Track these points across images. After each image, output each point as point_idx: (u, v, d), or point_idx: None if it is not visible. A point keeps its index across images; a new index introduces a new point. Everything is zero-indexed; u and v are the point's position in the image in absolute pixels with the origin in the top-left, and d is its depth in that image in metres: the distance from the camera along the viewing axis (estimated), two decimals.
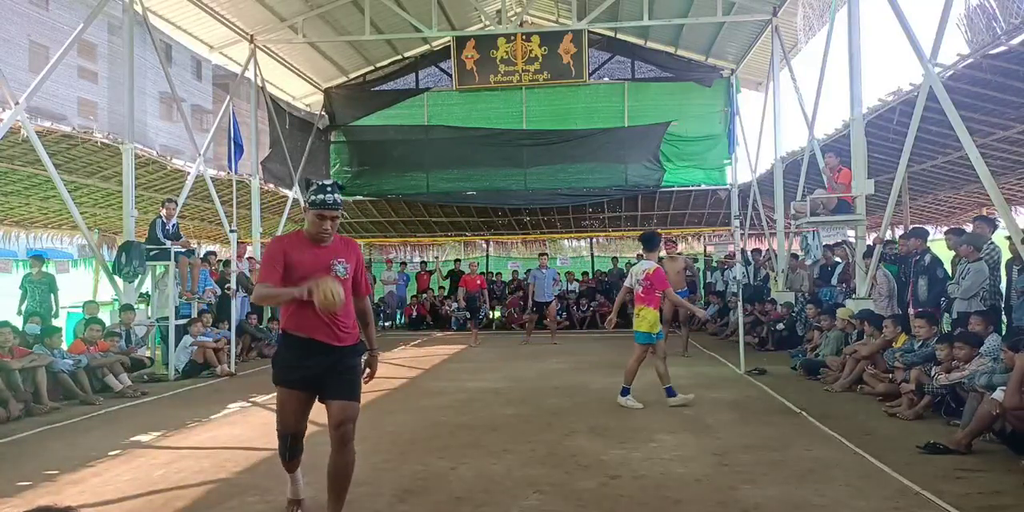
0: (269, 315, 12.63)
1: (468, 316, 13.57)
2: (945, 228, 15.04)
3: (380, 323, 16.96)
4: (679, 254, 11.15)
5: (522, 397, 7.48)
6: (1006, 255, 7.49)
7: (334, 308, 3.21)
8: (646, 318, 6.84)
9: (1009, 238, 6.91)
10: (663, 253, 11.40)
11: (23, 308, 10.16)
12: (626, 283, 7.30)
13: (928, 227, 14.78)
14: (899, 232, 10.72)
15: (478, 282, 13.39)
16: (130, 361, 8.79)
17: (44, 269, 10.60)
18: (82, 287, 12.72)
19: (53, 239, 13.75)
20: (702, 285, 16.60)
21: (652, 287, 6.83)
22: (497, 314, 16.81)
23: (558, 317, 16.12)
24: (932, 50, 7.42)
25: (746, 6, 13.53)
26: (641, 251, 7.39)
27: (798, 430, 5.75)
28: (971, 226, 8.14)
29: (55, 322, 9.65)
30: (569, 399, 7.30)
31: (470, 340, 13.01)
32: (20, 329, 8.10)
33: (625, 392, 6.90)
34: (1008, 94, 7.72)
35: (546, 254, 14.22)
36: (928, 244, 8.53)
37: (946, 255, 8.30)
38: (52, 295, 10.11)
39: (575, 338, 12.96)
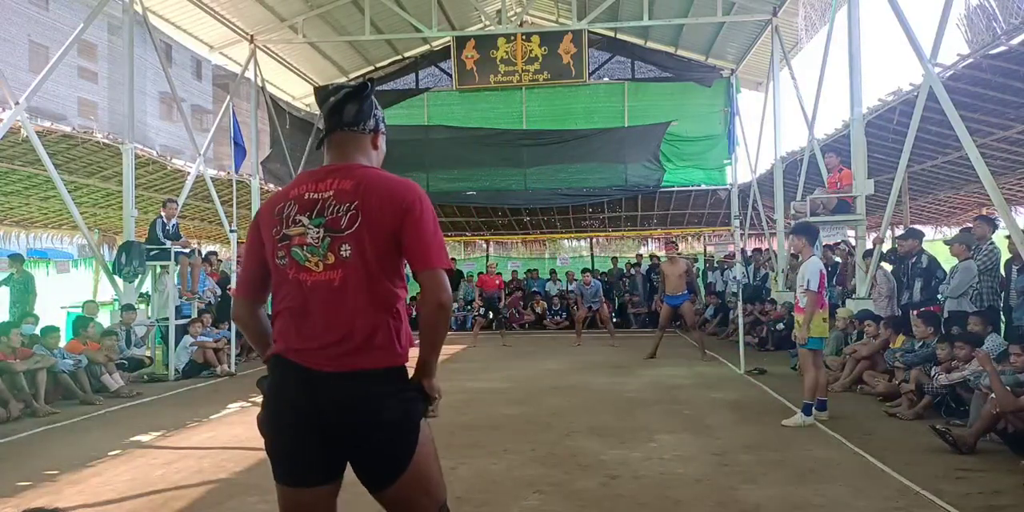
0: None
1: (482, 315, 13.59)
2: (946, 228, 15.13)
3: None
4: (679, 254, 11.10)
5: (522, 397, 7.48)
6: (1006, 255, 7.49)
7: None
8: (819, 322, 5.96)
9: (1009, 237, 6.91)
10: (662, 254, 11.42)
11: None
12: (804, 287, 5.92)
13: (928, 227, 14.82)
14: (899, 232, 10.71)
15: (496, 282, 13.46)
16: (128, 362, 8.80)
17: (24, 268, 10.22)
18: (82, 287, 12.72)
19: (53, 239, 13.75)
20: (702, 284, 16.58)
21: (822, 285, 5.98)
22: None
23: (559, 317, 16.20)
24: (932, 50, 7.41)
25: (746, 6, 13.52)
26: (802, 245, 6.04)
27: (798, 430, 5.75)
28: (972, 226, 8.13)
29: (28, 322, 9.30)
30: (569, 399, 7.30)
31: (503, 340, 13.00)
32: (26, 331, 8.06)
33: (822, 406, 6.07)
34: (1008, 94, 7.72)
35: (588, 271, 14.17)
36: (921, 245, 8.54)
37: (943, 257, 8.30)
38: (29, 295, 9.68)
39: (575, 338, 12.94)
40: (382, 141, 2.27)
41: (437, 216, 2.19)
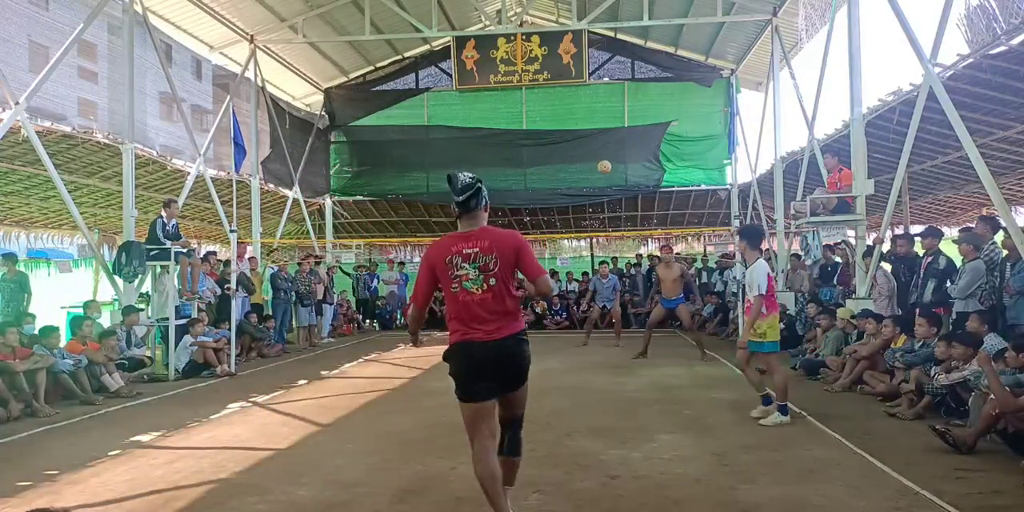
0: (268, 313, 12.65)
1: None
2: (946, 228, 15.13)
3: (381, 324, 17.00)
4: (674, 257, 11.07)
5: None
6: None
7: None
8: (774, 325, 6.07)
9: (1005, 232, 6.92)
10: (658, 254, 11.32)
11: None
12: (754, 292, 6.00)
13: (935, 227, 14.79)
14: (899, 231, 10.70)
15: None
16: (128, 361, 8.80)
17: (18, 267, 9.78)
18: (82, 287, 12.72)
19: (53, 239, 13.75)
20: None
21: (771, 288, 6.03)
22: None
23: (558, 317, 16.20)
24: (932, 50, 7.42)
25: (746, 6, 13.53)
26: (744, 248, 6.25)
27: (798, 430, 5.75)
28: (975, 225, 8.11)
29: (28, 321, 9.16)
30: (569, 399, 7.29)
31: None
32: (26, 331, 8.04)
33: (767, 401, 6.25)
34: (1008, 94, 7.72)
35: (606, 263, 14.19)
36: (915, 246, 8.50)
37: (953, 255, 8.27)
38: (24, 295, 9.43)
39: (575, 338, 12.94)
40: (487, 210, 3.67)
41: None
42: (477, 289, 3.52)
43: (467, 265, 3.51)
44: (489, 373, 3.57)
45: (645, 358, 10.27)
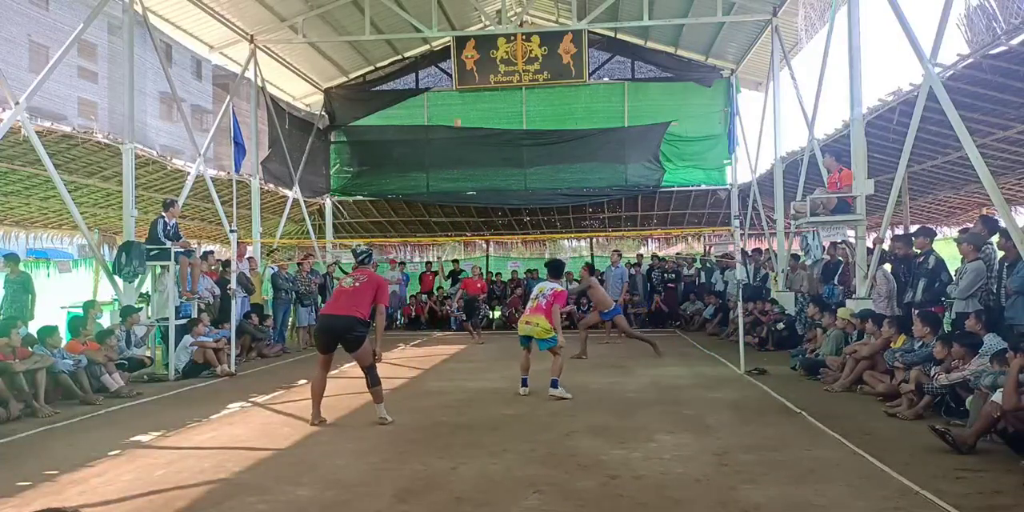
0: (268, 312, 12.64)
1: (465, 318, 13.68)
2: (946, 228, 15.14)
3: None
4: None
5: (522, 397, 7.49)
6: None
7: None
8: (541, 325, 7.50)
9: (1004, 235, 6.91)
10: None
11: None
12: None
13: (928, 227, 14.77)
14: (899, 232, 10.70)
15: (479, 285, 13.68)
16: (128, 361, 8.79)
17: (21, 268, 9.86)
18: (82, 287, 12.71)
19: (53, 239, 13.73)
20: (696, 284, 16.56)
21: (551, 302, 7.54)
22: (497, 314, 16.82)
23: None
24: (932, 50, 7.42)
25: (746, 6, 13.53)
26: (548, 276, 8.22)
27: (798, 430, 5.75)
28: (974, 225, 8.10)
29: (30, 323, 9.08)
30: (569, 399, 7.29)
31: (474, 339, 13.24)
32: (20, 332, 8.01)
33: (555, 384, 7.45)
34: (1008, 94, 7.72)
35: (619, 251, 14.05)
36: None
37: (947, 256, 8.28)
38: (28, 295, 9.45)
39: (574, 338, 12.90)
40: (374, 267, 7.44)
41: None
42: (348, 286, 6.30)
43: (351, 278, 6.42)
44: (330, 336, 6.18)
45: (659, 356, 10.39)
